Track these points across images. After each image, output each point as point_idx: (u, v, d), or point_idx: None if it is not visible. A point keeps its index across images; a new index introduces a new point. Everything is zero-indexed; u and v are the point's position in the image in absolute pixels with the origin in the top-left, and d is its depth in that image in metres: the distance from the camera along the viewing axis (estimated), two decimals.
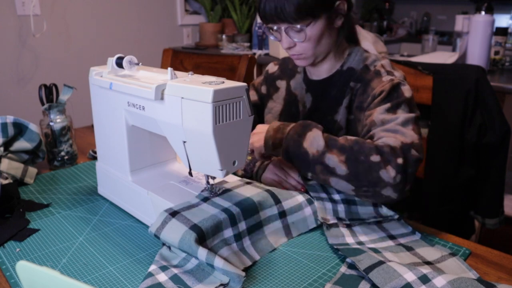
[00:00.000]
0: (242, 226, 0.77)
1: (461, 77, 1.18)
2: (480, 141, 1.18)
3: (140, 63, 0.88)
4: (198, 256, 0.68)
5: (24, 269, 0.44)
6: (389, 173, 0.78)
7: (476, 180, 1.25)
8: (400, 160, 0.78)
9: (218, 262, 0.67)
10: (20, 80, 2.31)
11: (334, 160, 0.81)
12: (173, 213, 0.75)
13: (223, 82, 0.71)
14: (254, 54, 2.54)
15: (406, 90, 0.93)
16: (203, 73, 0.83)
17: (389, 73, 0.97)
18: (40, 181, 1.09)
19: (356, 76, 1.00)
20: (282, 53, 2.27)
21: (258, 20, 2.65)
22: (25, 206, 0.94)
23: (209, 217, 0.74)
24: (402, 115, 0.88)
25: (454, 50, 2.34)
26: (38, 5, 2.29)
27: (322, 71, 1.06)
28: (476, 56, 1.88)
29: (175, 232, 0.71)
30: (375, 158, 0.78)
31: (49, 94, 1.14)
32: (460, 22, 2.22)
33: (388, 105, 0.90)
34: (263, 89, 1.20)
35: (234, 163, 0.76)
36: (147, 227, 0.87)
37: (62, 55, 2.46)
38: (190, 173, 0.80)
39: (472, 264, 0.73)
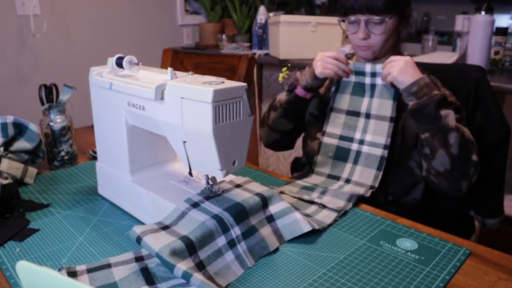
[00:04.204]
0: (236, 231, 0.76)
1: (461, 77, 1.18)
2: (480, 141, 1.18)
3: (140, 63, 0.88)
4: (174, 273, 0.66)
5: (24, 269, 0.44)
6: (475, 170, 0.98)
7: (476, 180, 1.25)
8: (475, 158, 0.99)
9: (195, 280, 0.64)
10: (20, 80, 2.31)
11: (455, 139, 0.96)
12: (164, 227, 0.75)
13: (223, 82, 0.71)
14: (254, 54, 2.54)
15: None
16: (203, 73, 0.83)
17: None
18: (40, 181, 1.09)
19: None
20: (282, 54, 2.26)
21: (258, 20, 2.64)
22: (25, 206, 0.94)
23: (198, 226, 0.73)
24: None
25: (454, 50, 2.34)
26: (38, 5, 2.29)
27: None
28: (476, 56, 1.87)
29: (157, 243, 0.69)
30: (474, 157, 0.98)
31: (49, 94, 1.14)
32: (460, 22, 2.22)
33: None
34: None
35: (234, 163, 0.76)
36: None
37: (62, 55, 2.46)
38: (190, 173, 0.80)
39: (472, 264, 0.74)
